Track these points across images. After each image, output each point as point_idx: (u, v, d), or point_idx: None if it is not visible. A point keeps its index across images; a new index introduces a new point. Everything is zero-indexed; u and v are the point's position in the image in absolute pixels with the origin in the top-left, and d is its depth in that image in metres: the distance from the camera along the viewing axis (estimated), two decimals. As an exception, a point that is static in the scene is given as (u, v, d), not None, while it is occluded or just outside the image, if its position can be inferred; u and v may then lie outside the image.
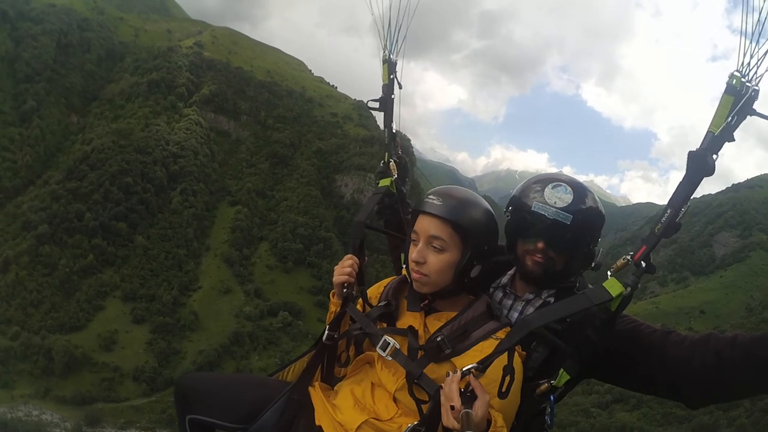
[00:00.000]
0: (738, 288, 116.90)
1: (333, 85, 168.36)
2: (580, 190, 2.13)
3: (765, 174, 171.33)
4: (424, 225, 2.07)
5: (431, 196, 2.09)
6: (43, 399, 78.97)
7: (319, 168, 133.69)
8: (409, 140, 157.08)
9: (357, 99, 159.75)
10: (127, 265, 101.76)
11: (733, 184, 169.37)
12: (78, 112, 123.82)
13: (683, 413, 68.92)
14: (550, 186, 2.14)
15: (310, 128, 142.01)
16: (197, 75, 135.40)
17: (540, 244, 2.12)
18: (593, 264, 2.18)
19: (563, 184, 2.14)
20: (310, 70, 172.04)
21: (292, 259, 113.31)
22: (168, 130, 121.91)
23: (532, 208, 2.12)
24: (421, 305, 2.14)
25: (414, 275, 2.10)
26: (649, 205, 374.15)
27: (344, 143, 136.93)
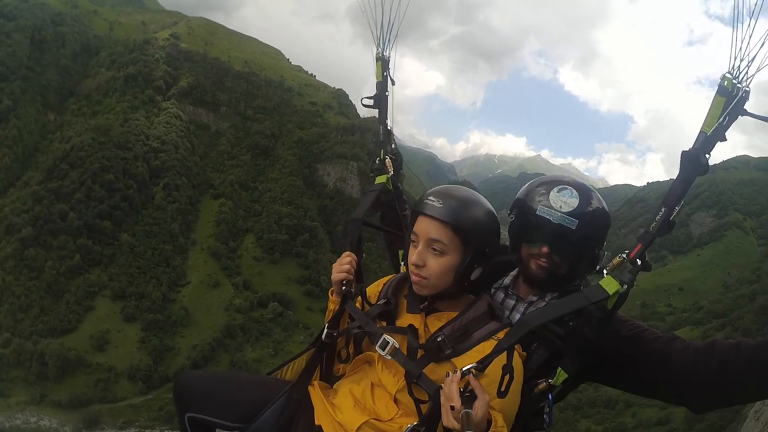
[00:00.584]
0: (715, 266, 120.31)
1: (311, 74, 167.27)
2: (585, 194, 2.14)
3: (740, 156, 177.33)
4: (424, 227, 2.05)
5: (431, 197, 2.07)
6: (39, 405, 79.34)
7: (301, 158, 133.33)
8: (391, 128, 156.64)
9: (336, 87, 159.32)
10: (114, 264, 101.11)
11: (709, 166, 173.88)
12: (55, 110, 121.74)
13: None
14: (555, 189, 2.14)
15: (290, 118, 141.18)
16: (174, 67, 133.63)
17: (545, 249, 2.12)
18: (597, 268, 2.17)
19: (569, 187, 2.14)
20: (288, 59, 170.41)
21: (278, 250, 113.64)
22: (147, 125, 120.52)
23: (537, 212, 2.12)
24: (421, 307, 2.15)
25: (414, 278, 2.10)
26: (627, 187, 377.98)
27: (325, 132, 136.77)
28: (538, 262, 2.13)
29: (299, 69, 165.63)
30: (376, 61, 2.81)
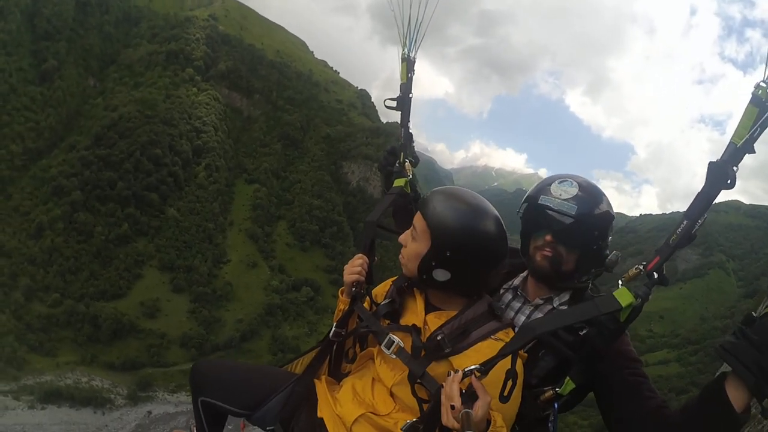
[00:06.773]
0: (695, 300, 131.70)
1: (336, 70, 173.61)
2: (586, 186, 2.24)
3: (731, 200, 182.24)
4: (416, 214, 2.16)
5: (431, 191, 2.18)
6: (89, 365, 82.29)
7: (328, 153, 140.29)
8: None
9: (359, 87, 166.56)
10: (160, 236, 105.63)
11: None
12: (95, 76, 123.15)
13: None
14: (557, 181, 2.26)
15: (317, 113, 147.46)
16: (213, 49, 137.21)
17: (548, 237, 2.21)
18: (605, 264, 2.25)
19: (569, 179, 2.25)
20: (312, 52, 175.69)
21: (309, 239, 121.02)
22: (189, 104, 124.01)
23: (539, 201, 2.23)
24: (404, 285, 2.26)
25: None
26: (620, 216, 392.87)
27: (351, 132, 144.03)
28: (543, 253, 2.24)
29: (324, 64, 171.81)
30: (402, 62, 2.83)
